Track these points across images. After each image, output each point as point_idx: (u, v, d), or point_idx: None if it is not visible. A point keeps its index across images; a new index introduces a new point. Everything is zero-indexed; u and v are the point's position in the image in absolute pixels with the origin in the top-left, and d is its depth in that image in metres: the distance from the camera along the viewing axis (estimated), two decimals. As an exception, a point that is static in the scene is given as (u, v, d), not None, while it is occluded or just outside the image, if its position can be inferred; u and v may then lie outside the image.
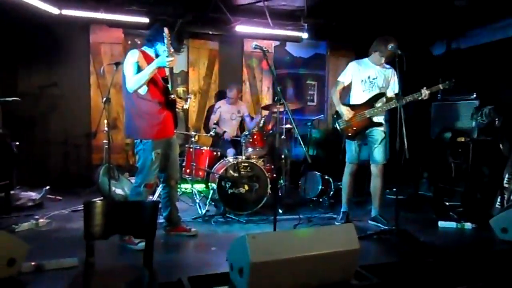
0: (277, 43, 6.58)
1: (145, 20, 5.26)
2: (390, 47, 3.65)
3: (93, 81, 5.81)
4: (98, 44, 5.82)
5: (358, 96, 4.04)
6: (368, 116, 3.95)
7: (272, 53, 6.52)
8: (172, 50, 3.15)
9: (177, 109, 3.48)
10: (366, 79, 4.00)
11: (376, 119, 3.97)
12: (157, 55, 3.35)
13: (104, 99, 3.86)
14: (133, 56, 3.26)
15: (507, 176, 4.34)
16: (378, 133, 4.00)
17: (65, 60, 5.71)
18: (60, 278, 2.45)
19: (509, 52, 5.31)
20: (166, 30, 3.12)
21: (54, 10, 4.93)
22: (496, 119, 4.59)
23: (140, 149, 3.33)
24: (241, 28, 5.60)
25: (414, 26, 5.86)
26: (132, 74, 3.22)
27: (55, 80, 5.65)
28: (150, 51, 3.39)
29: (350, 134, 4.01)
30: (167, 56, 3.12)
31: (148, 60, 3.31)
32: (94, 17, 5.12)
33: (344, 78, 4.09)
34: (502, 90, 5.27)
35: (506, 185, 4.30)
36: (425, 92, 3.73)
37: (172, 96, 3.36)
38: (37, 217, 3.89)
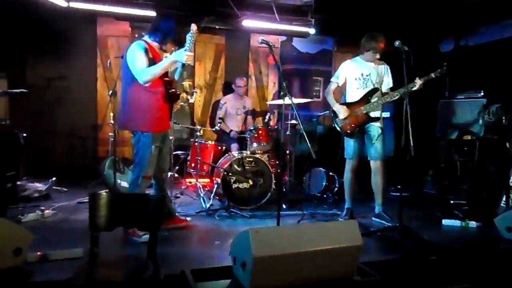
0: (284, 38, 6.56)
1: (152, 13, 5.25)
2: (397, 43, 3.61)
3: (99, 73, 5.83)
4: (105, 37, 5.83)
5: (353, 94, 4.08)
6: (365, 111, 3.98)
7: (279, 48, 6.50)
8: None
9: (182, 103, 3.48)
10: (359, 76, 4.04)
11: (373, 114, 4.01)
12: (160, 48, 3.35)
13: (111, 92, 3.88)
14: (141, 47, 3.21)
15: (513, 175, 4.31)
16: (375, 129, 4.02)
17: (72, 53, 5.73)
18: (65, 268, 2.48)
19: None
20: (194, 27, 3.09)
21: (62, 3, 4.94)
22: (503, 117, 4.55)
23: (140, 142, 3.29)
24: (248, 22, 5.59)
25: (422, 23, 5.81)
26: (143, 65, 3.17)
27: (62, 73, 5.67)
28: (154, 44, 3.35)
29: (349, 131, 4.03)
30: (185, 50, 3.10)
31: (153, 51, 3.28)
32: (101, 9, 5.12)
33: (338, 78, 4.15)
34: (510, 88, 5.22)
35: (512, 184, 4.28)
36: (418, 82, 3.71)
37: (173, 89, 3.34)
38: (43, 208, 3.92)
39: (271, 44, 3.19)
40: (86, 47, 5.78)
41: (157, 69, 3.18)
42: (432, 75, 3.74)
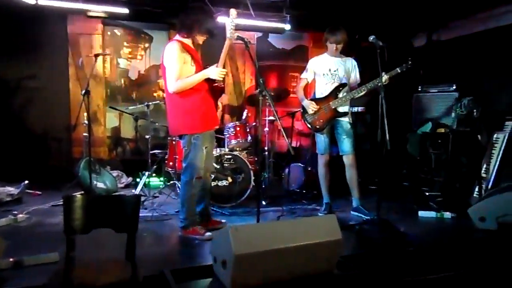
0: (260, 34, 6.55)
1: (124, 10, 5.16)
2: (371, 38, 3.65)
3: (71, 73, 5.70)
4: (76, 35, 5.69)
5: (322, 89, 4.14)
6: (333, 107, 4.04)
7: (255, 45, 6.49)
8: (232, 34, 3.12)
9: (159, 101, 3.43)
10: (327, 72, 4.10)
11: (341, 109, 4.07)
12: (193, 42, 3.33)
13: (84, 91, 3.79)
14: (174, 51, 3.16)
15: (484, 166, 4.44)
16: (344, 124, 4.10)
17: (43, 52, 5.57)
18: (40, 273, 2.41)
19: (488, 44, 5.41)
20: (234, 12, 3.05)
21: (30, 0, 4.79)
22: (475, 110, 4.67)
23: (191, 144, 3.25)
24: (223, 19, 5.53)
25: (395, 18, 5.90)
26: (176, 75, 3.14)
27: (32, 72, 5.51)
28: (186, 40, 3.30)
29: (318, 126, 4.08)
30: (216, 67, 3.14)
31: (189, 50, 3.25)
32: (72, 7, 4.99)
33: (307, 74, 4.21)
34: (481, 82, 5.36)
35: (483, 175, 4.40)
36: (384, 77, 3.76)
37: (216, 84, 3.27)
38: (15, 212, 3.79)
39: (246, 40, 3.18)
40: (56, 46, 5.63)
41: (187, 83, 3.18)
42: (398, 69, 3.81)
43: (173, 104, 3.31)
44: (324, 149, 4.14)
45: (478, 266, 3.00)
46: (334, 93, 4.07)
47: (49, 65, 5.61)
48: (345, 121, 4.10)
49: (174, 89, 3.18)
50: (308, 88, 4.37)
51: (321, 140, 4.15)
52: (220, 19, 5.52)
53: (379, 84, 3.73)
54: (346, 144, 4.08)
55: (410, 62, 3.79)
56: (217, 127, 3.48)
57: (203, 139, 3.27)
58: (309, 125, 4.14)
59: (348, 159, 4.10)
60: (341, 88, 4.07)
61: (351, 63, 4.18)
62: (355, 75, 4.18)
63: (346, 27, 4.08)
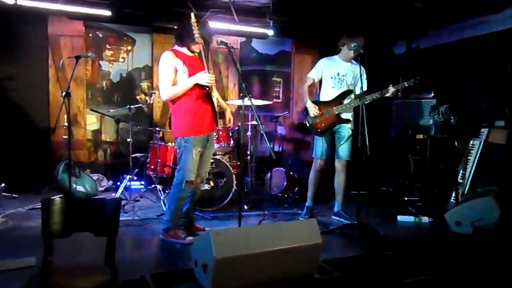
0: (243, 39, 6.58)
1: (107, 12, 5.11)
2: (353, 45, 3.73)
3: (52, 74, 5.60)
4: (57, 36, 5.61)
5: (328, 93, 4.10)
6: (336, 112, 4.02)
7: (238, 50, 6.50)
8: (201, 38, 3.19)
9: (141, 104, 3.44)
10: (335, 75, 4.07)
11: (344, 115, 4.06)
12: (190, 50, 3.36)
13: (64, 93, 3.74)
14: (163, 61, 3.25)
15: (461, 172, 4.55)
16: (346, 130, 4.08)
17: (22, 53, 5.46)
18: (17, 278, 2.36)
19: (464, 52, 5.55)
20: (193, 16, 3.12)
21: (8, 0, 4.70)
22: (452, 117, 4.78)
23: (181, 147, 3.30)
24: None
25: (376, 26, 6.01)
26: (166, 83, 3.23)
27: (11, 73, 5.40)
28: (182, 49, 3.35)
29: (319, 130, 4.06)
30: (205, 73, 3.19)
31: (182, 57, 3.28)
32: (52, 8, 4.91)
33: (314, 74, 4.15)
34: (458, 89, 5.50)
35: (460, 181, 4.51)
36: (392, 90, 3.84)
37: (207, 88, 3.28)
38: (-9, 216, 3.72)
39: (229, 45, 3.19)
40: (36, 47, 5.53)
41: (177, 90, 3.24)
42: (405, 84, 3.88)
43: (171, 109, 3.42)
44: (321, 153, 4.10)
45: (454, 269, 3.07)
46: (339, 99, 4.03)
47: (28, 66, 5.51)
48: (347, 127, 4.08)
49: (164, 97, 3.31)
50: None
51: (319, 144, 4.11)
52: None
53: (386, 96, 3.81)
54: (343, 150, 4.07)
55: (418, 78, 3.87)
56: (211, 132, 3.46)
57: (194, 143, 3.28)
58: (309, 127, 4.10)
59: (340, 164, 4.10)
60: (346, 95, 4.04)
61: (360, 70, 4.03)
62: (363, 83, 4.12)
63: (329, 34, 4.12)
